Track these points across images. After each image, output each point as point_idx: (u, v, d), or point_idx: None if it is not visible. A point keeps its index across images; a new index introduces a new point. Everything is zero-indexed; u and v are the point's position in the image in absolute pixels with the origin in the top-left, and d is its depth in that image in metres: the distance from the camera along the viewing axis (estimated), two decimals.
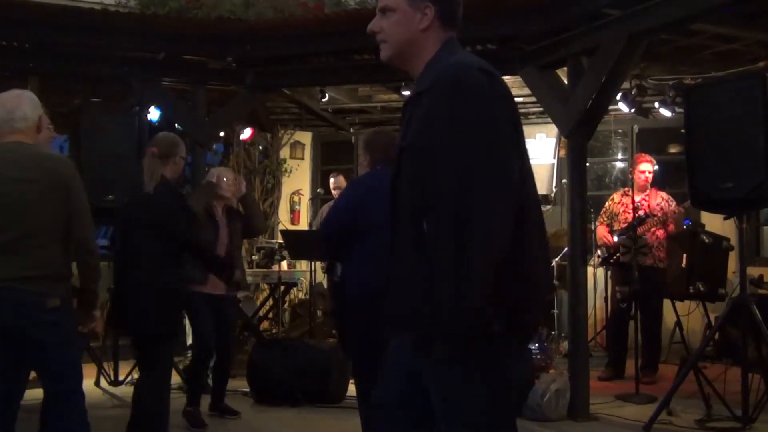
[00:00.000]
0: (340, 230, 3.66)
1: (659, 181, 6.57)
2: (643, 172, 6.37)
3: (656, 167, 6.43)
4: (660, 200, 6.33)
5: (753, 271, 6.28)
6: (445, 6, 2.10)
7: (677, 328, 6.39)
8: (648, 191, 6.39)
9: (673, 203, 6.32)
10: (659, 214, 6.25)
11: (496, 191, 1.82)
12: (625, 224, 6.36)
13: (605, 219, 6.60)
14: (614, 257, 6.41)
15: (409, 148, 1.96)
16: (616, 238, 6.34)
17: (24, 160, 3.23)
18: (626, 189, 6.62)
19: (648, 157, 6.53)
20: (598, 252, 6.66)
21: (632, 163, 6.60)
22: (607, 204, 6.68)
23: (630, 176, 6.55)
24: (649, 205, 6.18)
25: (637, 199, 6.35)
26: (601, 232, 6.56)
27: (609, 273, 6.90)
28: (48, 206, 3.22)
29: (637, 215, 6.06)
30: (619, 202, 6.54)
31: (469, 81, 1.92)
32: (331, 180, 7.31)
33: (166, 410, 4.07)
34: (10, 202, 3.17)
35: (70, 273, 3.32)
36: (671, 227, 6.30)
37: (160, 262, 3.89)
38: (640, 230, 6.07)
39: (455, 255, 1.80)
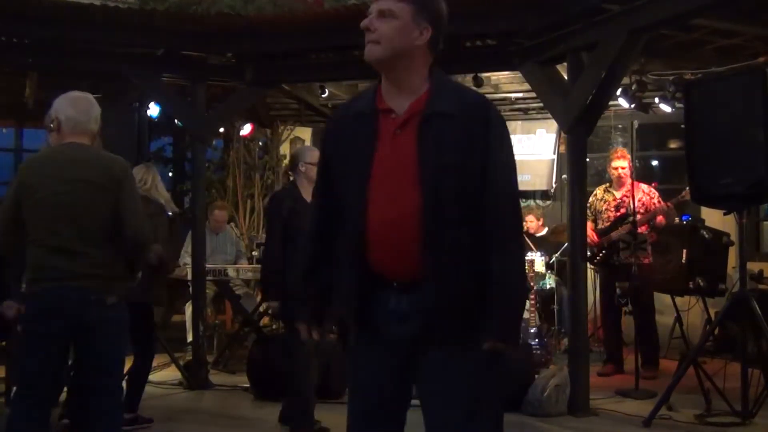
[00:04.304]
0: None
1: (659, 177, 6.55)
2: (616, 168, 6.36)
3: (631, 163, 6.43)
4: (641, 194, 6.28)
5: (753, 267, 6.29)
6: (438, 34, 2.25)
7: (677, 324, 6.39)
8: (628, 185, 6.33)
9: (656, 195, 6.31)
10: (641, 210, 6.19)
11: None
12: (608, 223, 6.35)
13: (589, 215, 6.54)
14: (598, 256, 6.40)
15: (454, 166, 2.14)
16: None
17: (83, 161, 3.34)
18: (608, 185, 6.61)
19: (622, 153, 6.52)
20: None
21: (608, 159, 6.61)
22: (590, 199, 6.57)
23: (608, 172, 6.60)
24: (628, 203, 6.16)
25: (618, 195, 6.36)
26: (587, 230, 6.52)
27: (594, 270, 6.89)
28: (103, 206, 3.32)
29: (619, 215, 6.07)
30: (601, 199, 6.51)
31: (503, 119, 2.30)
32: None
33: None
34: (71, 201, 3.27)
35: (123, 271, 3.43)
36: (661, 219, 6.23)
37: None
38: (623, 229, 6.08)
39: (522, 260, 2.33)
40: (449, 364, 2.17)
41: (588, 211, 6.54)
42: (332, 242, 2.32)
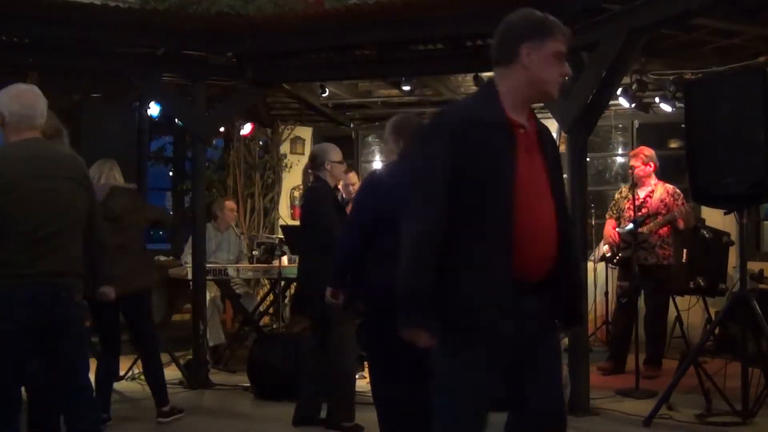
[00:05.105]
0: None
1: (659, 176, 6.53)
2: (631, 167, 6.32)
3: (651, 161, 6.31)
4: (664, 195, 6.24)
5: (753, 266, 6.29)
6: None
7: (677, 323, 6.40)
8: (652, 186, 6.32)
9: (680, 197, 6.20)
10: (663, 211, 6.17)
11: None
12: (629, 222, 6.32)
13: (614, 212, 6.52)
14: (618, 256, 6.37)
15: (561, 179, 2.56)
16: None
17: (53, 158, 3.29)
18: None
19: (635, 152, 6.46)
20: (604, 248, 6.61)
21: None
22: (615, 196, 6.62)
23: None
24: (651, 203, 6.12)
25: (641, 195, 6.26)
26: (608, 228, 6.49)
27: (613, 269, 6.87)
28: (84, 202, 3.31)
29: (638, 215, 6.01)
30: (625, 197, 6.44)
31: None
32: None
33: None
34: (55, 197, 3.22)
35: (83, 269, 3.40)
36: (680, 223, 6.14)
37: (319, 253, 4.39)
38: (644, 229, 6.03)
39: None
40: (554, 344, 2.57)
41: (613, 209, 6.55)
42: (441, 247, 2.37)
